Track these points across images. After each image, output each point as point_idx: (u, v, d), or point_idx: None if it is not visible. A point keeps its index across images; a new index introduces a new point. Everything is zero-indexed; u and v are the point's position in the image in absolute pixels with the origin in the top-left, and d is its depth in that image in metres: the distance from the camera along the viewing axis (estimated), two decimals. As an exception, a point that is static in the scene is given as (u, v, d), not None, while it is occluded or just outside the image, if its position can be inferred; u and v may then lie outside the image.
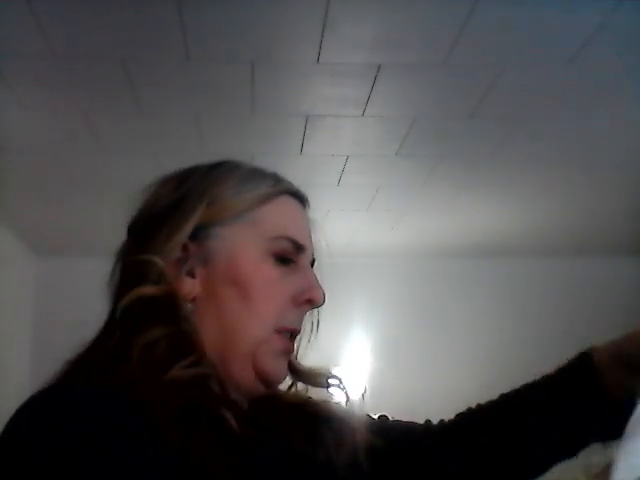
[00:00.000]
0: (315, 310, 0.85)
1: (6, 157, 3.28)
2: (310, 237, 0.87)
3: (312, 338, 0.87)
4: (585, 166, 3.60)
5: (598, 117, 3.03)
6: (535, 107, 2.94)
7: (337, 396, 0.90)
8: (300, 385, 0.89)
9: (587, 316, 4.96)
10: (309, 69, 2.61)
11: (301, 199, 0.87)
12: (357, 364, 4.70)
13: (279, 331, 0.80)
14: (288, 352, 0.82)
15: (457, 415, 0.94)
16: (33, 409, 0.67)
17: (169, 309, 0.76)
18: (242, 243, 0.81)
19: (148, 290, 0.76)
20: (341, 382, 0.90)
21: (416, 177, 3.68)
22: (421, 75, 2.68)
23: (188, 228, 0.79)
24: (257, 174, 0.85)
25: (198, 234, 0.80)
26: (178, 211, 0.80)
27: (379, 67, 2.59)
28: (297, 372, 0.87)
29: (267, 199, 0.82)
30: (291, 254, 0.82)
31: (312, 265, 0.86)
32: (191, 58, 2.50)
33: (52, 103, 2.86)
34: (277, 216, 0.83)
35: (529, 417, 0.87)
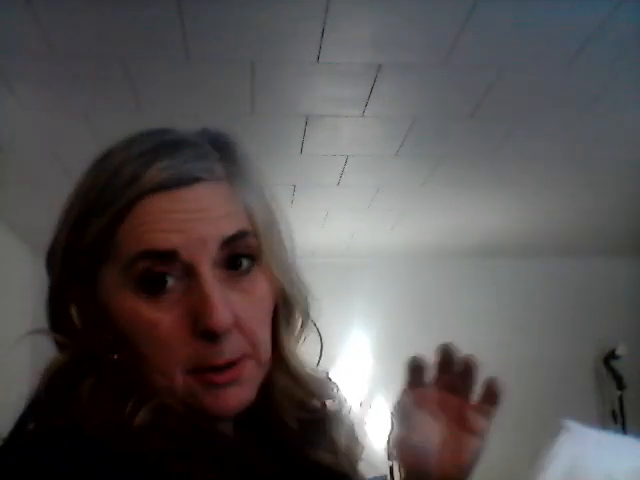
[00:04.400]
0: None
1: (6, 157, 3.27)
2: (208, 217, 0.66)
3: (320, 353, 0.79)
4: (585, 166, 3.60)
5: (598, 117, 3.03)
6: (535, 107, 2.94)
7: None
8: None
9: (587, 316, 4.96)
10: (309, 69, 2.61)
11: (177, 183, 0.66)
12: (357, 364, 4.69)
13: (194, 370, 0.66)
14: (219, 383, 0.66)
15: None
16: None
17: (89, 364, 0.66)
18: (112, 288, 0.67)
19: (58, 360, 0.68)
20: (336, 390, 0.80)
21: (416, 177, 3.68)
22: (421, 75, 2.68)
23: (67, 288, 0.70)
24: (113, 177, 0.68)
25: (87, 280, 0.69)
26: (53, 258, 0.73)
27: (379, 67, 2.59)
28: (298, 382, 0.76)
29: (119, 218, 0.66)
30: (156, 272, 0.64)
31: (243, 237, 0.68)
32: (191, 58, 2.50)
33: (52, 103, 2.86)
34: (131, 233, 0.65)
35: None
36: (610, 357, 4.83)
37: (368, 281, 4.95)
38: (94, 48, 2.45)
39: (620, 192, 3.94)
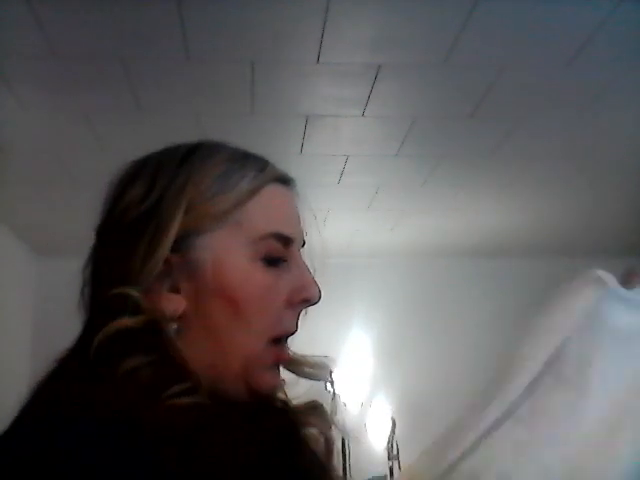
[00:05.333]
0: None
1: (6, 157, 3.28)
2: (298, 221, 0.79)
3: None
4: (585, 166, 3.60)
5: (598, 117, 3.03)
6: (535, 107, 2.94)
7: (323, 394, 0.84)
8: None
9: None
10: (309, 69, 2.61)
11: (287, 181, 0.79)
12: (357, 364, 4.70)
13: (274, 340, 0.74)
14: (283, 361, 0.76)
15: None
16: (19, 440, 0.62)
17: (150, 338, 0.68)
18: (228, 251, 0.72)
19: (125, 322, 0.68)
20: (331, 376, 0.83)
21: (416, 177, 3.68)
22: (421, 75, 2.68)
23: (168, 242, 0.71)
24: (237, 164, 0.75)
25: (179, 245, 0.71)
26: (155, 221, 0.71)
27: (379, 67, 2.59)
28: (290, 362, 0.80)
29: (251, 195, 0.74)
30: (281, 252, 0.75)
31: (303, 246, 0.80)
32: (191, 58, 2.50)
33: (52, 103, 2.86)
34: (262, 212, 0.74)
35: None
36: (610, 357, 4.83)
37: (368, 281, 4.95)
38: (94, 48, 2.45)
39: (620, 192, 3.94)
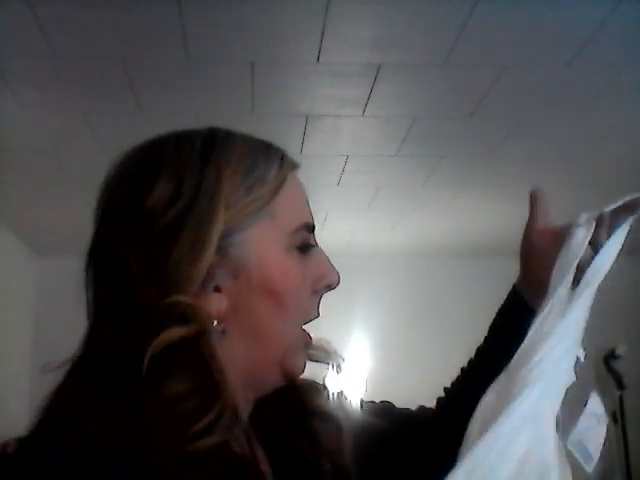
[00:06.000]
0: None
1: (6, 157, 3.28)
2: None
3: None
4: (585, 166, 3.60)
5: (598, 117, 3.03)
6: (535, 107, 2.94)
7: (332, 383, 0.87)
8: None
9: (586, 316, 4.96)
10: (309, 69, 2.61)
11: (297, 167, 0.79)
12: (357, 364, 4.70)
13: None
14: (310, 344, 0.79)
15: (441, 399, 0.99)
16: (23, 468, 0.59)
17: (196, 352, 0.65)
18: (267, 244, 0.72)
19: (178, 332, 0.64)
20: (338, 360, 0.83)
21: (416, 177, 3.68)
22: (421, 75, 2.68)
23: (213, 245, 0.67)
24: (262, 155, 0.74)
25: (220, 244, 0.68)
26: (193, 223, 0.67)
27: (379, 67, 2.59)
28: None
29: (280, 186, 0.73)
30: (311, 239, 0.76)
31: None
32: (191, 58, 2.50)
33: (52, 103, 2.86)
34: (291, 202, 0.75)
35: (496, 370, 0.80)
36: (610, 357, 4.83)
37: (368, 281, 4.95)
38: (94, 48, 2.45)
39: (620, 192, 3.93)
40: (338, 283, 0.78)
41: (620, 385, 4.73)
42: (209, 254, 0.67)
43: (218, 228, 0.68)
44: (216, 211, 0.68)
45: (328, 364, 0.83)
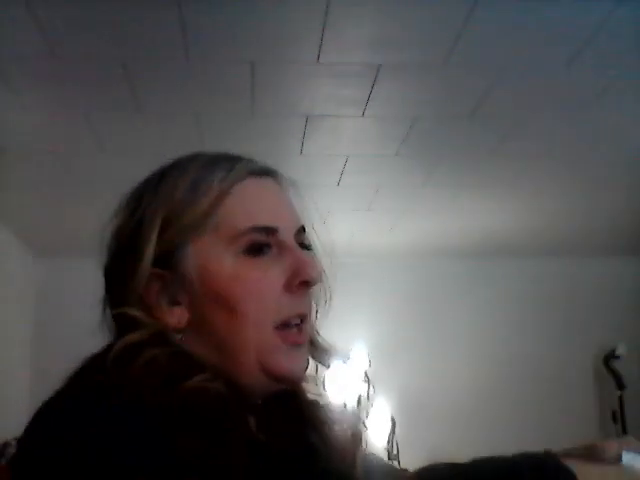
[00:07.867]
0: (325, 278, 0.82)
1: (6, 157, 3.27)
2: (288, 209, 0.82)
3: (326, 306, 0.84)
4: (585, 166, 3.60)
5: (598, 117, 3.03)
6: (535, 107, 2.94)
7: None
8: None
9: (587, 316, 4.96)
10: (309, 69, 2.61)
11: (267, 173, 0.82)
12: (356, 364, 4.69)
13: (281, 326, 0.77)
14: (298, 342, 0.78)
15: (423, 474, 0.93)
16: (56, 420, 0.66)
17: (161, 343, 0.73)
18: (210, 255, 0.76)
19: (131, 338, 0.72)
20: (344, 356, 0.88)
21: (416, 177, 3.68)
22: (421, 75, 2.68)
23: (147, 261, 0.75)
24: (206, 171, 0.78)
25: (169, 261, 0.76)
26: (135, 243, 0.76)
27: (379, 67, 2.59)
28: (315, 347, 0.84)
29: (221, 197, 0.77)
30: (264, 240, 0.77)
31: (304, 231, 0.82)
32: (191, 58, 2.50)
33: (52, 103, 2.86)
34: (238, 209, 0.77)
35: None
36: (610, 357, 4.83)
37: (368, 281, 4.95)
38: (94, 48, 2.44)
39: (620, 192, 3.94)
40: (318, 277, 0.79)
41: (620, 385, 4.73)
42: (143, 271, 0.75)
43: (151, 246, 0.75)
44: (152, 232, 0.75)
45: (328, 365, 0.84)
